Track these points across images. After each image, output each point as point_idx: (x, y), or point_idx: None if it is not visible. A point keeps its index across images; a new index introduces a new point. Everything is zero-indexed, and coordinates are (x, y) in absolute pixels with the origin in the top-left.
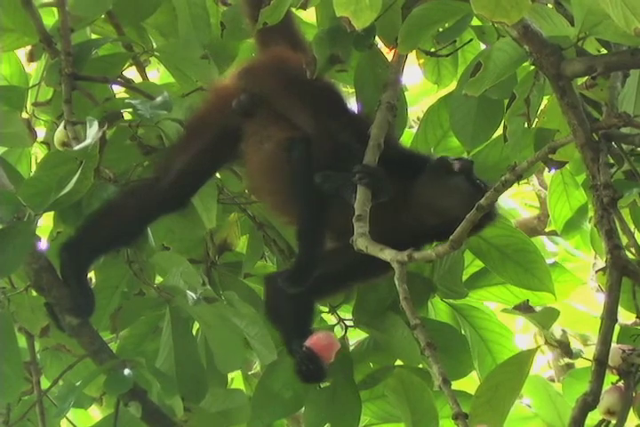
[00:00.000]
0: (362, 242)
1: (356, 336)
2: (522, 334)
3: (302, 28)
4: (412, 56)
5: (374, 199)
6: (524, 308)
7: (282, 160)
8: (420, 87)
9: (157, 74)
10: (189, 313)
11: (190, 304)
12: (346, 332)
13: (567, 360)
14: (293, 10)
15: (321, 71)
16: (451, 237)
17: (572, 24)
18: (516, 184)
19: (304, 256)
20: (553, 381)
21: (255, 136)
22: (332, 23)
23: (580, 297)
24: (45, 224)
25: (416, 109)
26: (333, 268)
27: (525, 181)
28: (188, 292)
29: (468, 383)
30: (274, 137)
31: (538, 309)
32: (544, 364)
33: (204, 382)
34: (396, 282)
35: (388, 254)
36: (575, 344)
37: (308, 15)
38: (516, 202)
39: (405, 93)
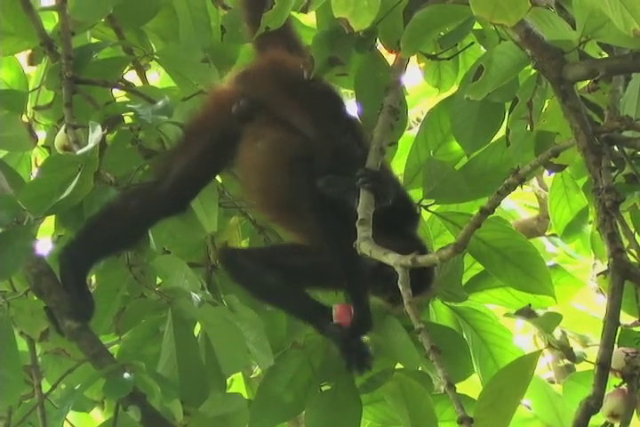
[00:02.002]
0: (365, 246)
1: None
2: (522, 335)
3: (301, 31)
4: (412, 59)
5: (377, 203)
6: (527, 312)
7: (274, 159)
8: (421, 88)
9: (158, 76)
10: (192, 315)
11: (195, 306)
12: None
13: (567, 362)
14: (293, 13)
15: (319, 72)
16: (455, 241)
17: (574, 28)
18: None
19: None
20: (552, 382)
21: (251, 136)
22: (332, 25)
23: (580, 298)
24: (47, 225)
25: (416, 111)
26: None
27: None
28: (192, 293)
29: (470, 387)
30: (268, 136)
31: (540, 312)
32: (544, 365)
33: (206, 385)
34: (400, 286)
35: (391, 258)
36: (575, 346)
37: (307, 18)
38: (516, 203)
39: (406, 96)
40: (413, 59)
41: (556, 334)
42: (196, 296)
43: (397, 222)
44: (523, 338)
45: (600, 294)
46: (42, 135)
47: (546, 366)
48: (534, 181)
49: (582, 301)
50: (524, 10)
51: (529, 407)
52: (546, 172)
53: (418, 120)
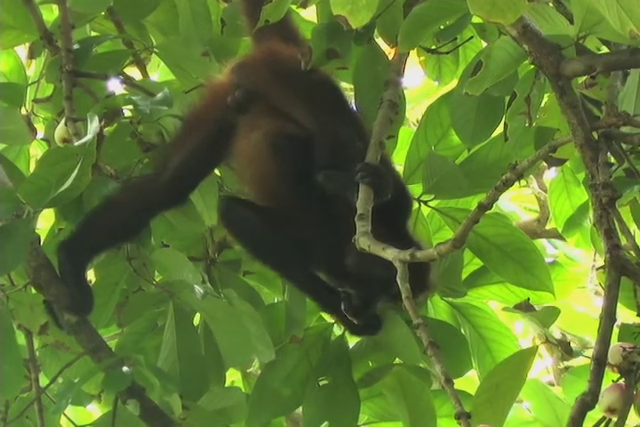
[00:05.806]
0: (364, 241)
1: None
2: (522, 339)
3: (302, 25)
4: (413, 55)
5: (377, 198)
6: (525, 306)
7: (268, 149)
8: (422, 88)
9: (159, 74)
10: (194, 308)
11: (199, 298)
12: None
13: (566, 364)
14: (293, 7)
15: (316, 63)
16: (453, 236)
17: (572, 23)
18: (516, 186)
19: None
20: (552, 385)
21: (246, 127)
22: (332, 19)
23: (579, 299)
24: (45, 225)
25: (417, 112)
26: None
27: (525, 183)
28: (195, 286)
29: (468, 383)
30: (263, 126)
31: (538, 308)
32: (543, 369)
33: (207, 378)
34: (399, 281)
35: (390, 253)
36: (574, 347)
37: (308, 13)
38: (516, 205)
39: (406, 93)
40: (415, 59)
41: (556, 335)
42: (199, 289)
43: (392, 216)
44: (523, 341)
45: (599, 295)
46: (40, 129)
47: (545, 370)
48: (534, 182)
49: (581, 303)
50: (521, 8)
51: (529, 410)
52: (546, 173)
53: (418, 121)
